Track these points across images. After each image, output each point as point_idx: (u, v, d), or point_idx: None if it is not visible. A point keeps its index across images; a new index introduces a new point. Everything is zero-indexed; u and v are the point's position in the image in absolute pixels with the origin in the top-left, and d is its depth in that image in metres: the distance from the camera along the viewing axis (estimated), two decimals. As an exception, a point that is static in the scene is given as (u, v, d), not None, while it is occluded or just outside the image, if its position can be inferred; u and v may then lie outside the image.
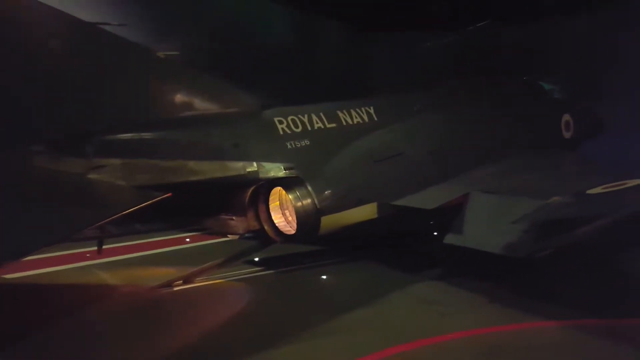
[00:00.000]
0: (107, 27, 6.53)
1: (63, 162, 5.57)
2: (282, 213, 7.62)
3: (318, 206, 7.17)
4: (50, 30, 5.56)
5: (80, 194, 5.64)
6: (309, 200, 7.15)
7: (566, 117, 11.97)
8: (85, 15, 6.09)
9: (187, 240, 10.59)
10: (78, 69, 5.83)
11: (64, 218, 5.19)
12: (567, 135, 11.94)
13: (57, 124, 5.62)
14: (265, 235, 7.65)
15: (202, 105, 6.84)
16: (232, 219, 7.53)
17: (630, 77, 13.63)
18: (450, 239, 7.15)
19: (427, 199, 7.74)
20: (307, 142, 7.68)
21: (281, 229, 7.58)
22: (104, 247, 7.76)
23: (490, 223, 6.96)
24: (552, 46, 14.67)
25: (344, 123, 8.34)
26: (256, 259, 8.94)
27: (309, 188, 7.19)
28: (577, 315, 6.25)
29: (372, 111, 8.75)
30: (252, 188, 7.26)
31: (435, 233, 9.16)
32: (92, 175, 5.73)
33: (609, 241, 8.60)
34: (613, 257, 8.38)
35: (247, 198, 7.30)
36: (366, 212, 7.73)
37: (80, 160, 5.67)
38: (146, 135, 6.24)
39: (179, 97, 6.63)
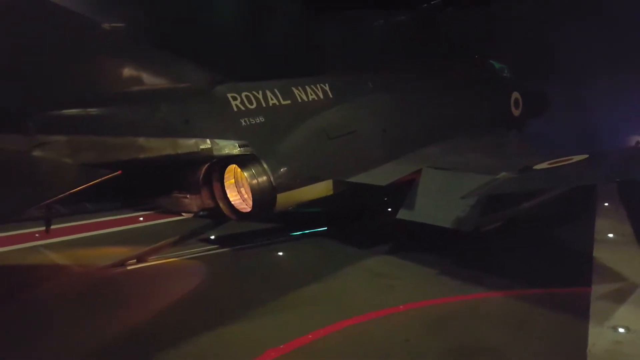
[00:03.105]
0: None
1: (2, 139, 5.29)
2: (238, 191, 7.58)
3: (274, 183, 7.16)
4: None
5: (23, 173, 5.39)
6: (264, 178, 7.12)
7: (515, 95, 12.32)
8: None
9: (141, 219, 10.39)
10: (16, 41, 5.48)
11: (6, 197, 4.95)
12: (516, 112, 12.32)
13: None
14: (220, 213, 7.60)
15: (150, 80, 6.59)
16: (186, 197, 7.42)
17: (575, 57, 14.16)
18: (403, 214, 7.33)
19: (381, 175, 7.87)
20: (261, 118, 7.59)
21: (237, 207, 7.55)
22: (53, 227, 7.48)
23: (441, 198, 7.16)
24: (501, 26, 15.02)
25: (299, 100, 8.28)
26: (211, 237, 8.88)
27: (265, 165, 7.16)
28: (521, 285, 6.55)
29: (327, 88, 8.72)
30: (206, 165, 7.15)
31: (390, 209, 9.34)
32: (35, 153, 5.47)
33: (552, 214, 9.02)
34: (555, 230, 8.79)
35: (201, 176, 7.20)
36: (321, 189, 7.78)
37: (22, 138, 5.39)
38: (92, 110, 5.98)
39: (126, 72, 6.35)
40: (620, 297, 5.98)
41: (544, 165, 7.09)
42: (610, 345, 5.00)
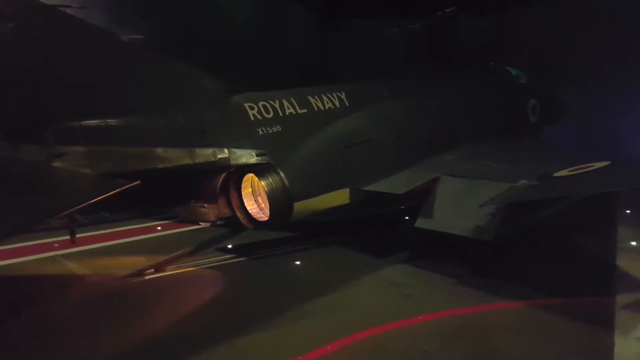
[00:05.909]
0: (67, 10, 6.30)
1: (23, 150, 5.35)
2: (255, 200, 7.59)
3: (291, 192, 7.15)
4: (5, 12, 5.30)
5: (43, 183, 5.44)
6: (281, 187, 7.12)
7: (532, 101, 12.19)
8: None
9: (159, 228, 10.46)
10: (37, 53, 5.57)
11: (26, 208, 5.00)
12: (533, 119, 12.18)
13: (14, 110, 5.38)
14: (238, 222, 7.61)
15: (168, 90, 6.63)
16: (204, 207, 7.44)
17: (595, 62, 13.97)
18: (420, 222, 7.26)
19: (398, 183, 7.83)
20: (278, 127, 7.61)
21: (254, 216, 7.55)
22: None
23: (459, 206, 7.08)
24: (517, 32, 14.91)
25: (316, 109, 8.28)
26: (228, 246, 8.89)
27: (282, 174, 7.16)
28: (542, 295, 6.42)
29: (343, 97, 8.71)
30: (223, 175, 7.18)
31: (407, 217, 9.27)
32: (55, 164, 5.53)
33: (573, 222, 8.86)
34: (576, 238, 8.62)
35: (218, 185, 7.22)
36: (338, 197, 7.76)
37: (41, 148, 5.44)
38: (111, 121, 6.03)
39: (144, 82, 6.41)
40: (645, 307, 5.83)
41: (564, 173, 6.97)
42: (636, 357, 4.87)
